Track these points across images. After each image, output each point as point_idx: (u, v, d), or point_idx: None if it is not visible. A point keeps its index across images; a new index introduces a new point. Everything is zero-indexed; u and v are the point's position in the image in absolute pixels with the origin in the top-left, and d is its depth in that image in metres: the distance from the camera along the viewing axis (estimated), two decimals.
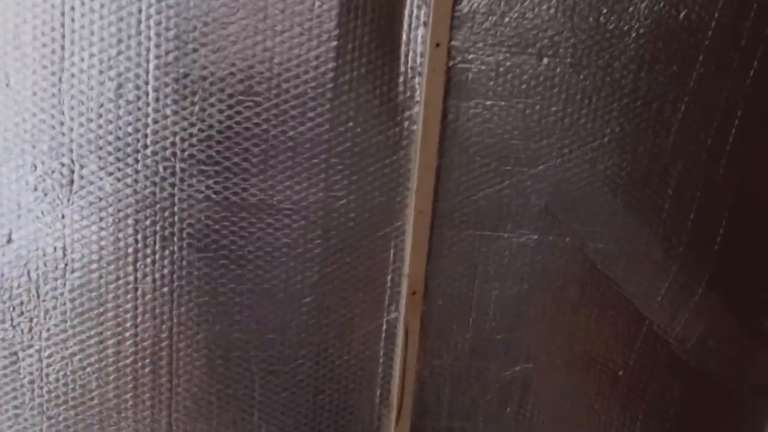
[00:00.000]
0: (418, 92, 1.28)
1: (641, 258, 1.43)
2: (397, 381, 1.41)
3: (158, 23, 1.16)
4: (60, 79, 1.17)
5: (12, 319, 1.26)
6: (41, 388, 1.30)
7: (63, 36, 1.15)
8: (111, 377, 1.30)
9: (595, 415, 1.54)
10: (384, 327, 1.39)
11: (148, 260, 1.25)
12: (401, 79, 1.27)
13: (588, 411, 1.53)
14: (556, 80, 1.32)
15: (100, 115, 1.18)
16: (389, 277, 1.36)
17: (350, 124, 1.26)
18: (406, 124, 1.29)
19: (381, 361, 1.41)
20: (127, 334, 1.28)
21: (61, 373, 1.29)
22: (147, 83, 1.18)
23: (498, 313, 1.43)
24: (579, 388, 1.51)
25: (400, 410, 1.43)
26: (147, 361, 1.30)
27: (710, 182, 1.41)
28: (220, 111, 1.21)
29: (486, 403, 1.48)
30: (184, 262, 1.27)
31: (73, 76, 1.17)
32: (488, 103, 1.31)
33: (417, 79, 1.27)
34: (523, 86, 1.31)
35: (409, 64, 1.26)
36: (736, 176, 1.41)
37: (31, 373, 1.29)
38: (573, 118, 1.34)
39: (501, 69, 1.30)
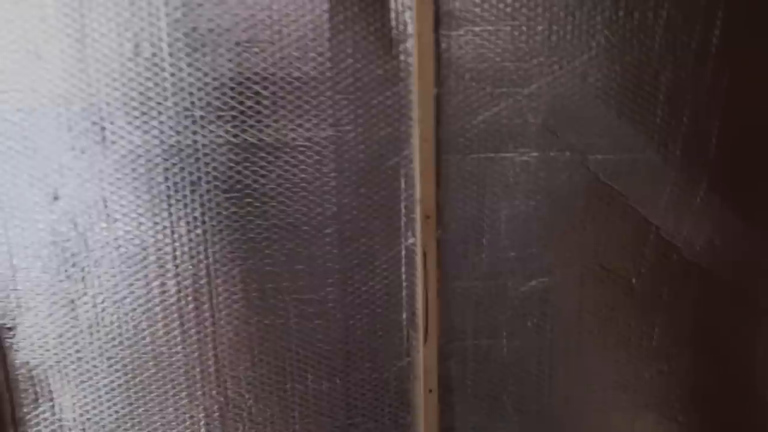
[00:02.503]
0: (409, 25, 1.24)
1: (640, 165, 1.36)
2: (421, 303, 1.37)
3: None
4: (83, 46, 1.17)
5: (66, 271, 1.26)
6: (98, 331, 1.30)
7: (81, 5, 1.15)
8: (159, 316, 1.29)
9: (614, 324, 1.46)
10: (403, 253, 1.35)
11: (180, 204, 1.24)
12: (392, 14, 1.23)
13: (607, 320, 1.45)
14: (538, 0, 1.26)
15: (122, 74, 1.18)
16: (403, 205, 1.32)
17: (350, 60, 1.23)
18: (402, 56, 1.25)
19: (404, 285, 1.36)
20: (169, 275, 1.27)
21: (115, 316, 1.29)
22: (161, 40, 1.17)
23: (509, 231, 1.37)
24: (595, 299, 1.44)
25: (426, 331, 1.39)
26: (190, 298, 1.29)
27: (700, 85, 1.32)
28: (229, 60, 1.19)
29: (507, 320, 1.42)
30: (213, 204, 1.25)
31: (94, 41, 1.16)
32: (477, 29, 1.26)
33: (407, 13, 1.23)
34: (508, 9, 1.25)
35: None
36: (725, 77, 1.32)
37: (88, 319, 1.29)
38: (559, 35, 1.28)
39: None
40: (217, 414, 1.36)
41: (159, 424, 1.36)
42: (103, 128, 1.19)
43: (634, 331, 1.47)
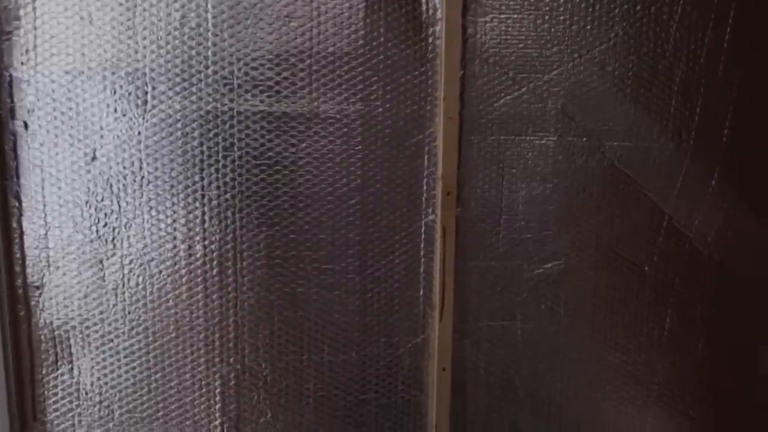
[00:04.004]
0: (439, 10, 1.35)
1: (655, 153, 1.45)
2: (438, 281, 1.44)
3: None
4: (134, 14, 1.28)
5: (98, 231, 1.35)
6: (123, 293, 1.37)
7: None
8: (184, 279, 1.37)
9: (627, 312, 1.53)
10: (423, 229, 1.43)
11: (212, 169, 1.33)
12: None
13: (619, 307, 1.52)
14: None
15: (168, 43, 1.29)
16: (425, 181, 1.41)
17: (381, 39, 1.34)
18: (431, 39, 1.36)
19: (422, 261, 1.44)
20: (197, 238, 1.35)
21: (141, 278, 1.36)
22: (206, 11, 1.29)
23: (526, 213, 1.46)
24: (609, 285, 1.51)
25: (442, 309, 1.46)
26: (215, 263, 1.37)
27: (712, 78, 1.43)
28: (269, 33, 1.30)
29: (522, 302, 1.50)
30: (244, 170, 1.34)
31: (144, 10, 1.28)
32: (502, 16, 1.38)
33: None
34: None
35: None
36: (737, 72, 1.44)
37: (115, 280, 1.37)
38: (580, 25, 1.39)
39: None
40: (233, 383, 1.42)
41: (175, 390, 1.42)
42: (145, 92, 1.30)
43: (647, 321, 1.54)
